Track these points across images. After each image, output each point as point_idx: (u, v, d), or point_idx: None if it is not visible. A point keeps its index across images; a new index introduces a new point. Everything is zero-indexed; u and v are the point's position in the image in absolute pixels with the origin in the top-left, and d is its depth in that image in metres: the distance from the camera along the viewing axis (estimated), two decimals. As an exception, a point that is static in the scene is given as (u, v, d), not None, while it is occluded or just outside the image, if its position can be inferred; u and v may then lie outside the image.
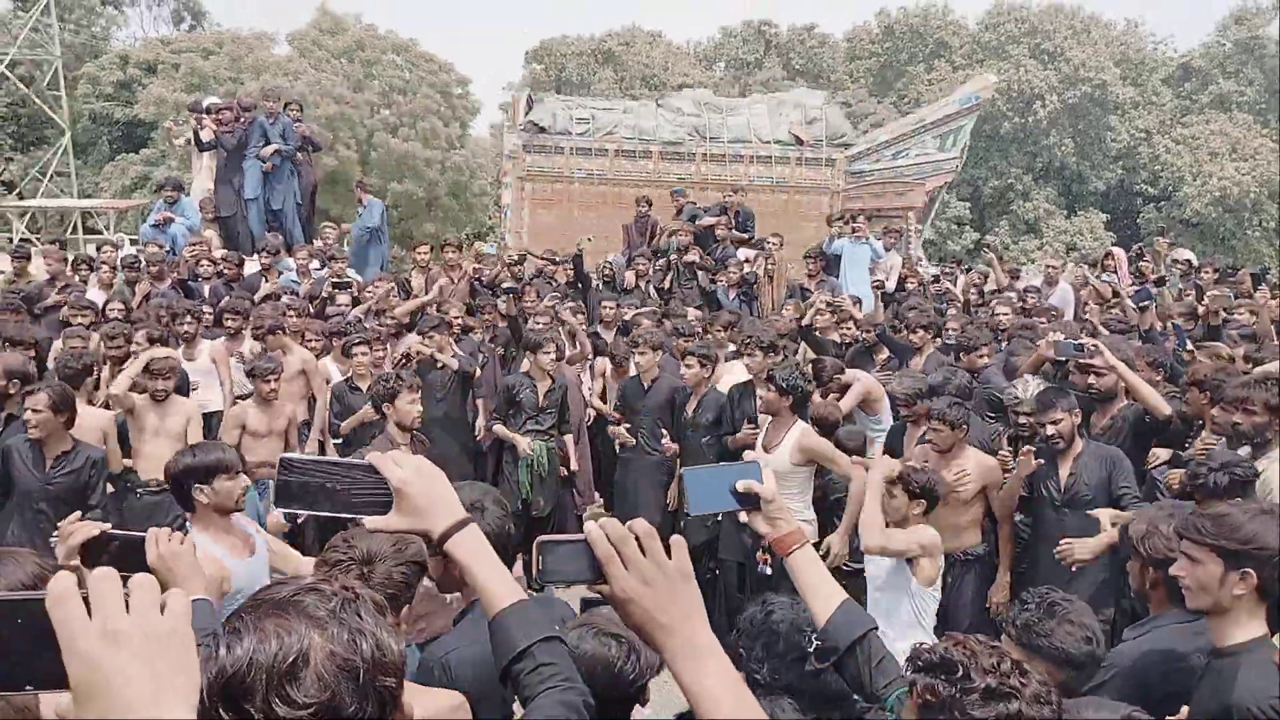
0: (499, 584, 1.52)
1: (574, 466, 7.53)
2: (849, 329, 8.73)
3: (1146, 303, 7.90)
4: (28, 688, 1.03)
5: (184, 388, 6.91)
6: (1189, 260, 12.27)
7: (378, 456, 1.49)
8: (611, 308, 9.52)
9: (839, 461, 5.60)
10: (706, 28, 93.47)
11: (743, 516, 1.98)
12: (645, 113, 16.15)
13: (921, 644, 1.89)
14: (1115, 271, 11.49)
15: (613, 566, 1.40)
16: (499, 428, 7.28)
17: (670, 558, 1.43)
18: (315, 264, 10.97)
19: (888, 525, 4.49)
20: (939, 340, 7.97)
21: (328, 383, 7.57)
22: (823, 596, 2.03)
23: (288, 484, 1.45)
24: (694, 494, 1.94)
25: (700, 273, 11.52)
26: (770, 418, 5.88)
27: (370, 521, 1.49)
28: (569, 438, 7.49)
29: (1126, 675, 2.90)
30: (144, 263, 9.90)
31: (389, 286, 9.68)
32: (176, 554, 2.13)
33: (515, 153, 15.33)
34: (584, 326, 9.02)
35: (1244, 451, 4.69)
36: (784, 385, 5.64)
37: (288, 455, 1.47)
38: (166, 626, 1.02)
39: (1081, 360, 5.81)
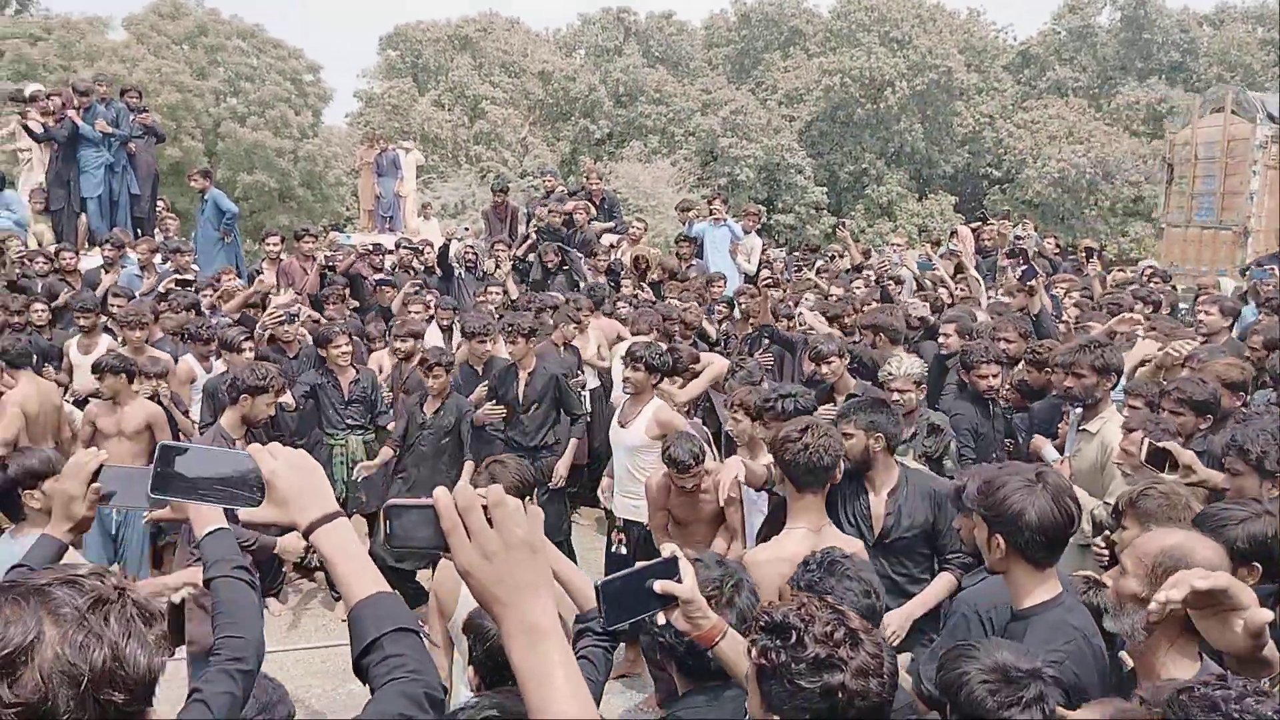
0: (358, 577, 1.50)
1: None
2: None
3: (1033, 282, 7.18)
4: None
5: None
6: (1030, 235, 12.87)
7: (256, 448, 1.51)
8: (494, 295, 9.58)
9: None
10: (565, 14, 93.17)
11: (660, 618, 1.95)
12: None
13: (771, 603, 1.90)
14: (961, 249, 11.95)
15: (455, 537, 1.34)
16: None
17: (521, 529, 1.36)
18: (158, 258, 10.45)
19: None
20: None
21: (191, 382, 7.30)
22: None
23: (166, 472, 1.46)
24: (610, 606, 1.87)
25: (567, 261, 11.46)
26: (628, 396, 5.91)
27: (243, 513, 1.49)
28: None
29: (972, 618, 3.00)
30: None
31: (233, 281, 9.25)
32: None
33: (1265, 143, 17.24)
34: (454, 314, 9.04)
35: (1077, 412, 4.94)
36: (653, 362, 5.71)
37: (167, 443, 1.48)
38: None
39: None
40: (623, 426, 5.83)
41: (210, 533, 2.13)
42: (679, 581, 1.93)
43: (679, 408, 6.54)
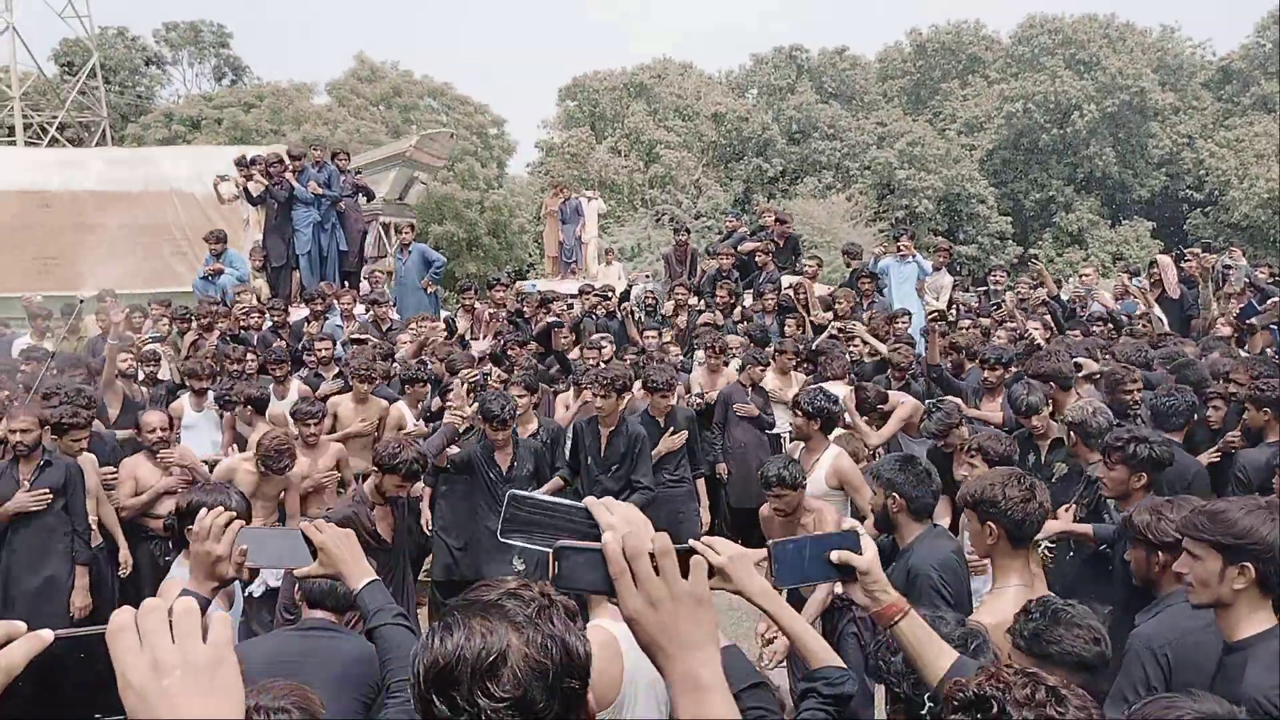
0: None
1: None
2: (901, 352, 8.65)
3: (1252, 320, 6.63)
4: (96, 717, 1.08)
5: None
6: (1237, 265, 12.01)
7: (593, 501, 1.53)
8: (653, 337, 9.54)
9: (863, 492, 5.40)
10: (738, 55, 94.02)
11: (838, 588, 1.95)
12: None
13: (957, 680, 1.82)
14: (1162, 280, 11.26)
15: (622, 583, 1.35)
16: None
17: (686, 578, 1.36)
18: (360, 309, 11.10)
19: None
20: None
21: (401, 429, 7.55)
22: (932, 659, 2.04)
23: (515, 516, 1.57)
24: (781, 566, 1.86)
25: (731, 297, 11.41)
26: (801, 444, 5.83)
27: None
28: None
29: (1145, 655, 2.99)
30: (193, 314, 10.10)
31: (435, 327, 9.68)
32: (338, 539, 2.28)
33: None
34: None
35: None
36: (809, 409, 5.61)
37: (516, 493, 1.56)
38: (208, 654, 1.07)
39: None
40: None
41: (365, 585, 2.29)
42: (859, 554, 1.89)
43: (870, 449, 6.44)
